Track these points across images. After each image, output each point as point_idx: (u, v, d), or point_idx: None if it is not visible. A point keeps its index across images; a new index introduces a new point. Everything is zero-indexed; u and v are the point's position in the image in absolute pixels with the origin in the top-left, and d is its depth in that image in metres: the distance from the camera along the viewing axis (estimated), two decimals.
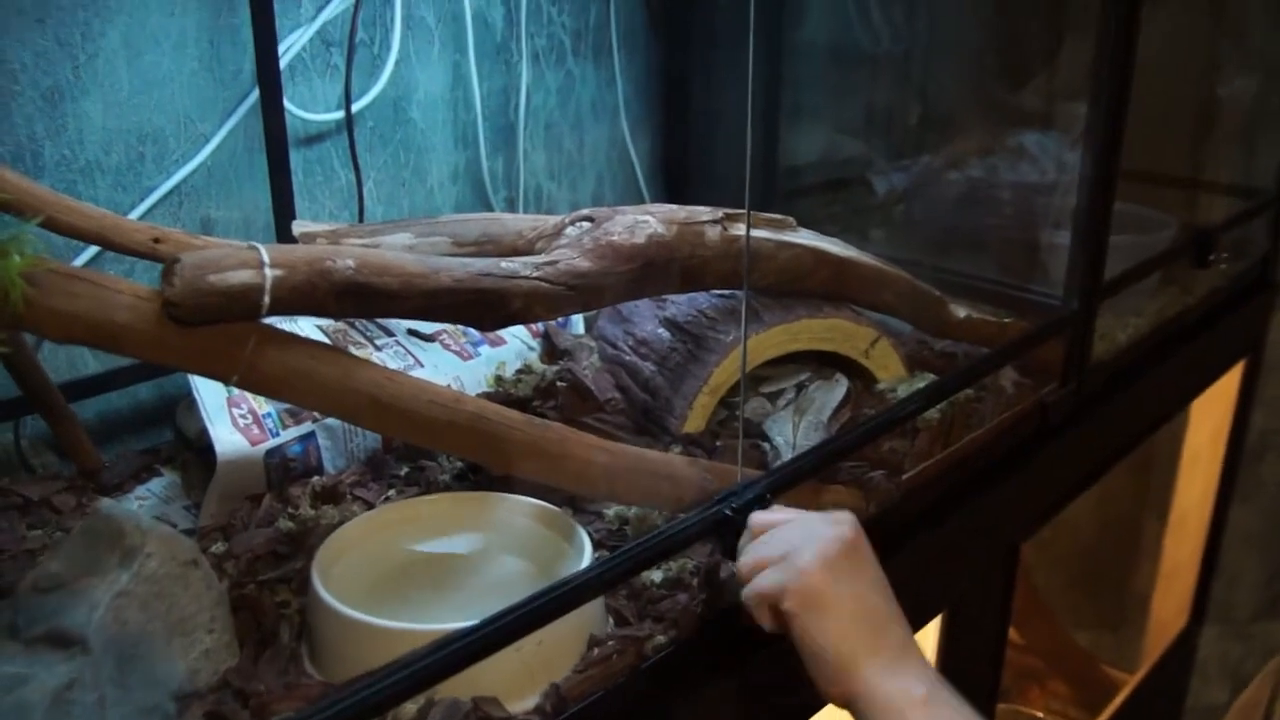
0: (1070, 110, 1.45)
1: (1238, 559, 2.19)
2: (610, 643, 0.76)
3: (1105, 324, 1.31)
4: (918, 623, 1.07)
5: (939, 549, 1.05)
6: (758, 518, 0.78)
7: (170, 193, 1.09)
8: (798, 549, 0.73)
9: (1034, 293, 1.32)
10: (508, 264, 0.82)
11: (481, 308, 0.80)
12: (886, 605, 0.75)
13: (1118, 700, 1.89)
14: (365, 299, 0.73)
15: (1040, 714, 2.10)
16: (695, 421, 1.00)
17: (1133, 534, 2.17)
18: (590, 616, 0.77)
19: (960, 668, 1.17)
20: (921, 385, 1.06)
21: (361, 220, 1.22)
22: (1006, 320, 1.18)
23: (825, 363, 1.08)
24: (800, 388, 1.05)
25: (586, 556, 0.80)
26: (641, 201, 1.54)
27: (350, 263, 0.72)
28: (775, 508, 0.80)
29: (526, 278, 0.82)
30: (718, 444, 0.98)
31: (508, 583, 0.84)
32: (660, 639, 0.78)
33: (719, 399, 1.01)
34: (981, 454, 1.11)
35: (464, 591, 0.83)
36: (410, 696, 0.62)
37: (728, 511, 0.78)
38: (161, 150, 1.08)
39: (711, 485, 0.87)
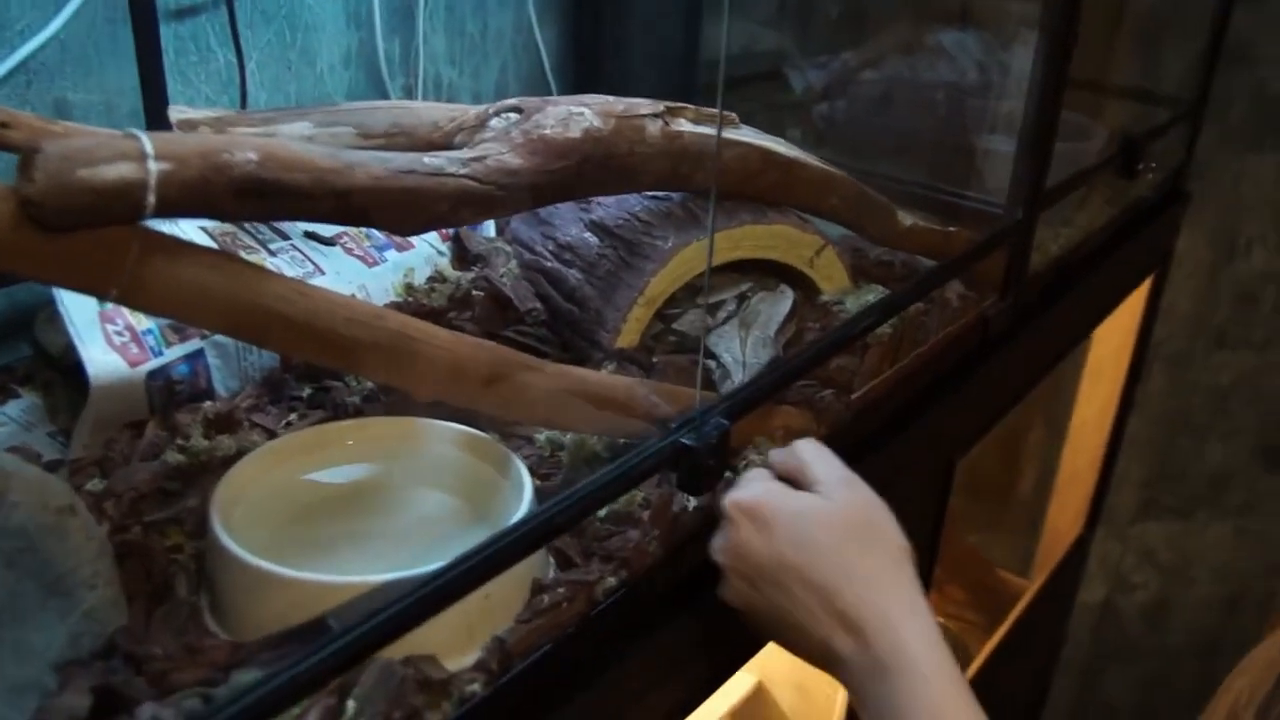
0: (1003, 7, 1.38)
1: (1121, 464, 2.19)
2: (558, 589, 0.67)
3: (1039, 234, 1.25)
4: None
5: (882, 472, 0.97)
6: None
7: (16, 70, 0.94)
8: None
9: (968, 200, 1.25)
10: (432, 159, 0.72)
11: (403, 210, 0.70)
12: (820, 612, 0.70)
13: (1019, 606, 1.87)
14: (269, 198, 0.62)
15: (940, 619, 2.09)
16: (629, 336, 0.90)
17: (1031, 444, 2.16)
18: (533, 560, 0.68)
19: None
20: (870, 298, 0.98)
21: (244, 107, 1.09)
22: (951, 229, 1.11)
23: (767, 272, 0.99)
24: (742, 299, 0.96)
25: (527, 492, 0.70)
26: (548, 93, 1.43)
27: (251, 155, 0.61)
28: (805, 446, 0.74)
29: (454, 175, 0.72)
30: (655, 360, 0.89)
31: (435, 521, 0.75)
32: (610, 581, 0.70)
33: (655, 311, 0.91)
34: (926, 370, 1.05)
35: (386, 533, 0.73)
36: (341, 674, 0.52)
37: (686, 441, 0.69)
38: (3, 18, 0.93)
39: (659, 409, 0.78)
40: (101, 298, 0.58)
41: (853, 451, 0.92)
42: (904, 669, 0.66)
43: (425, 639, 0.60)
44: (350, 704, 0.57)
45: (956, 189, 1.28)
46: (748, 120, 0.95)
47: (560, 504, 0.61)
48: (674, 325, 0.94)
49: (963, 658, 1.71)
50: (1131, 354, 1.90)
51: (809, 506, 0.71)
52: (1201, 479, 2.63)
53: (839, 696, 1.20)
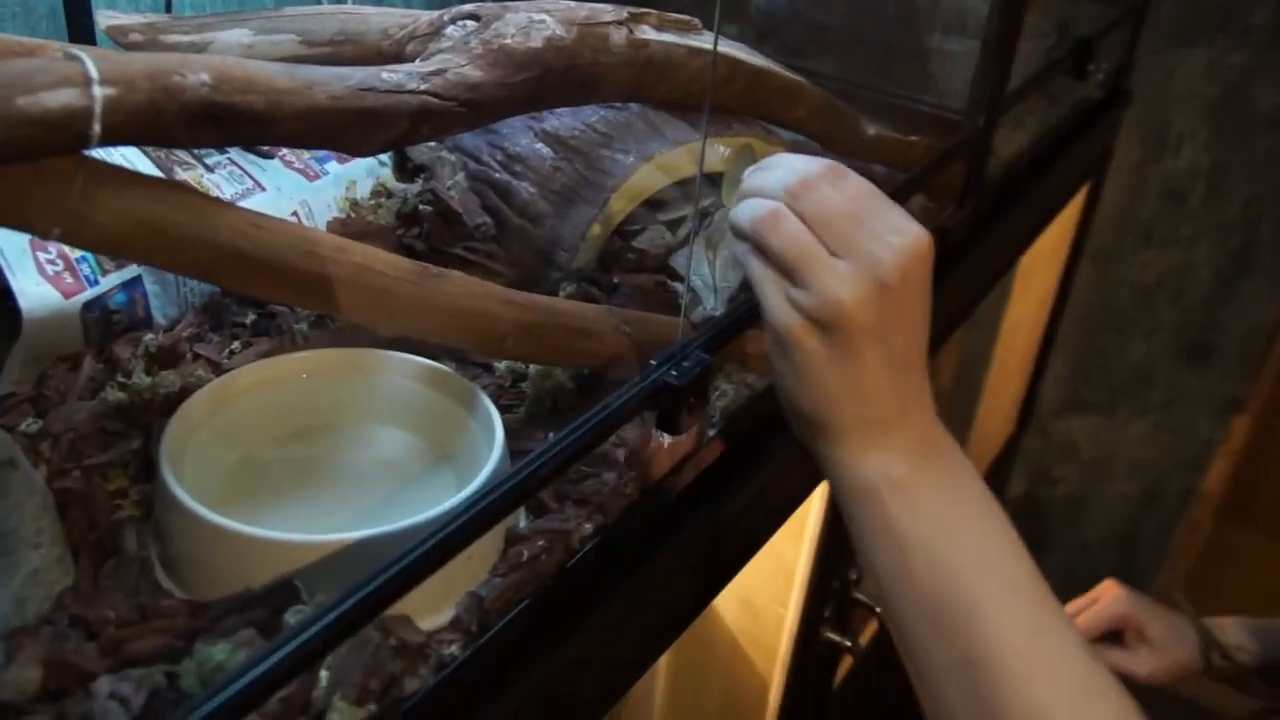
0: None
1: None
2: (536, 540, 0.64)
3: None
4: (816, 478, 0.99)
5: None
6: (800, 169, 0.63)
7: None
8: (876, 242, 0.60)
9: (921, 103, 1.21)
10: (390, 75, 0.66)
11: (363, 130, 0.64)
12: (922, 355, 0.64)
13: None
14: (225, 124, 0.56)
15: None
16: (586, 254, 0.86)
17: (961, 345, 2.15)
18: None
19: None
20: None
21: (169, 8, 1.02)
22: (912, 139, 1.07)
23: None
24: (704, 215, 0.92)
25: (498, 433, 0.66)
26: None
27: (205, 77, 0.55)
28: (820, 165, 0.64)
29: (414, 92, 0.66)
30: (616, 281, 0.85)
31: (398, 462, 0.71)
32: (588, 527, 0.66)
33: (614, 228, 0.87)
34: None
35: (347, 477, 0.69)
36: (321, 658, 0.49)
37: (670, 379, 0.66)
38: None
39: (629, 338, 0.74)
40: (44, 236, 0.52)
41: None
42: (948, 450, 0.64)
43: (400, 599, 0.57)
44: (324, 674, 0.54)
45: (907, 92, 1.24)
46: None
47: (544, 456, 0.57)
48: (634, 243, 0.89)
49: None
50: (1067, 255, 1.89)
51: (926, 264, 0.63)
52: (1124, 375, 2.66)
53: (788, 615, 1.18)
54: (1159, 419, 2.69)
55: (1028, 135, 1.37)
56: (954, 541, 0.60)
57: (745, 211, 0.63)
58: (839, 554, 1.14)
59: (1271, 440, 2.69)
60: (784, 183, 0.62)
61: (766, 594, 1.20)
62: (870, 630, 1.36)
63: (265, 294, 0.61)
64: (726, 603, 1.27)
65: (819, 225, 0.60)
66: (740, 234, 0.64)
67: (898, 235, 0.61)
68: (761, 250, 0.62)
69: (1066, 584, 2.75)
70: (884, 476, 0.61)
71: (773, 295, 0.62)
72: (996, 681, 0.57)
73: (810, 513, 1.09)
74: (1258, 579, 2.86)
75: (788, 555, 1.14)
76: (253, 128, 0.57)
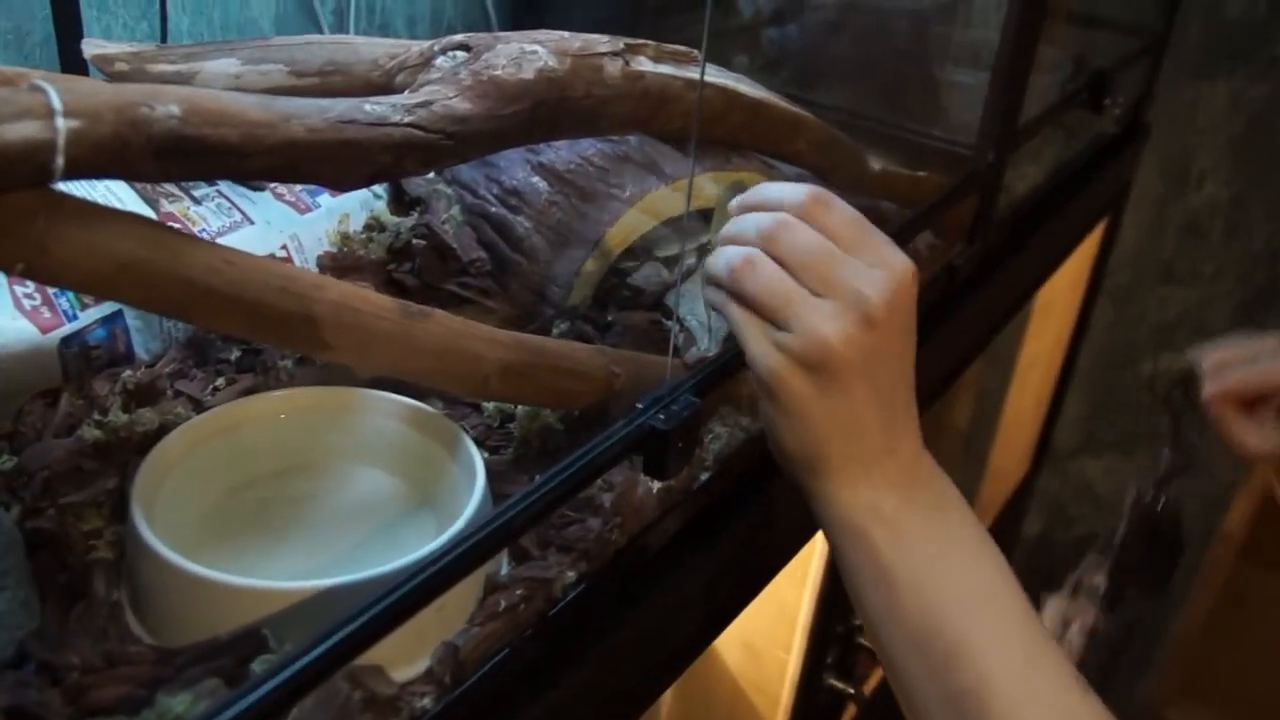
0: None
1: None
2: (515, 589, 0.62)
3: (1006, 174, 1.20)
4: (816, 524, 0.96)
5: None
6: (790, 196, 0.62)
7: None
8: (859, 276, 0.59)
9: (931, 138, 1.19)
10: (373, 106, 0.64)
11: (343, 165, 0.62)
12: (908, 386, 0.64)
13: None
14: (194, 158, 0.55)
15: None
16: (581, 291, 0.84)
17: (975, 382, 2.13)
18: None
19: None
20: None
21: (165, 36, 1.00)
22: (920, 174, 1.05)
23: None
24: (702, 251, 0.90)
25: (479, 477, 0.64)
26: (486, 20, 1.34)
27: (174, 109, 0.53)
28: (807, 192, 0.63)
29: (397, 124, 0.65)
30: (610, 319, 0.83)
31: (377, 505, 0.69)
32: (570, 575, 0.64)
33: (610, 265, 0.85)
34: None
35: (324, 520, 0.67)
36: (286, 709, 0.47)
37: (657, 424, 0.63)
38: None
39: (619, 379, 0.72)
40: (6, 271, 0.51)
41: None
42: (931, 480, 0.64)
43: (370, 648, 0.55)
44: None
45: (917, 125, 1.22)
46: (690, 47, 0.88)
47: (523, 503, 0.55)
48: (629, 280, 0.88)
49: None
50: (1084, 291, 1.86)
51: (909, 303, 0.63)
52: (1142, 414, 2.62)
53: (791, 660, 1.16)
54: None
55: (1043, 170, 1.35)
56: (941, 574, 0.60)
57: (721, 261, 0.62)
58: (842, 598, 1.11)
59: None
60: (759, 226, 0.61)
61: (769, 638, 1.18)
62: (875, 677, 1.33)
63: (239, 332, 0.60)
64: (728, 647, 1.24)
65: (797, 268, 0.60)
66: (717, 283, 0.63)
67: (881, 268, 0.60)
68: (740, 297, 0.61)
69: None
70: (871, 512, 0.61)
71: (755, 339, 0.61)
72: (988, 713, 0.57)
73: (813, 556, 1.07)
74: (1278, 621, 2.81)
75: (790, 599, 1.11)
76: (225, 162, 0.56)
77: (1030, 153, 1.33)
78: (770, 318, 0.60)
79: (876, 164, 0.99)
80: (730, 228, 0.64)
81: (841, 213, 0.62)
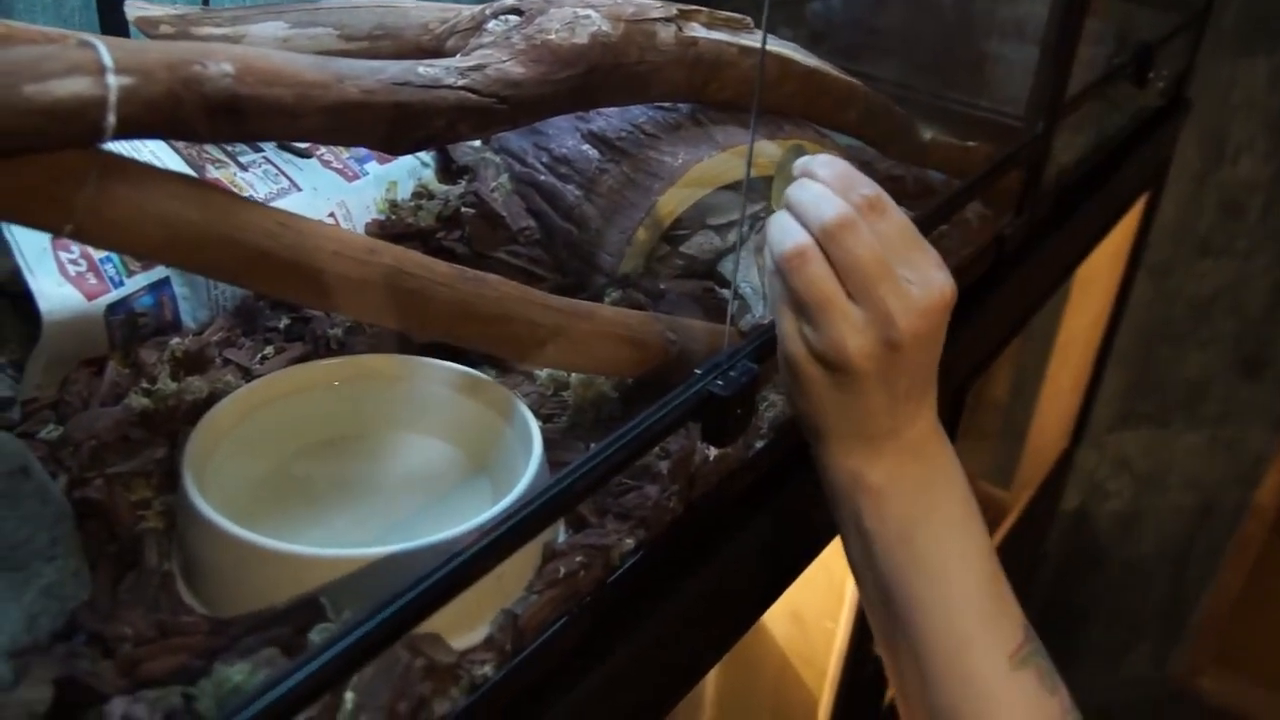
0: None
1: None
2: (574, 556, 0.61)
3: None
4: None
5: None
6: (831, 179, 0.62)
7: None
8: (896, 295, 0.60)
9: (978, 108, 1.18)
10: (427, 69, 0.63)
11: (396, 127, 0.61)
12: (925, 384, 0.65)
13: (1008, 521, 1.84)
14: (248, 117, 0.53)
15: None
16: (633, 259, 0.83)
17: (1015, 356, 2.11)
18: None
19: None
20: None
21: (207, 2, 0.99)
22: (970, 144, 1.03)
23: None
24: (755, 220, 0.88)
25: (536, 444, 0.63)
26: None
27: (228, 68, 0.52)
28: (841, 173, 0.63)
29: (451, 87, 0.64)
30: (662, 287, 0.82)
31: (432, 474, 0.68)
32: (629, 542, 0.63)
33: (662, 233, 0.84)
34: None
35: (378, 489, 0.66)
36: (344, 679, 0.46)
37: (716, 389, 0.62)
38: None
39: (675, 346, 0.71)
40: (56, 233, 0.50)
41: None
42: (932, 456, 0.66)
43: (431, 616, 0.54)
44: (349, 696, 0.51)
45: (964, 97, 1.20)
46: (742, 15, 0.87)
47: (582, 469, 0.54)
48: (681, 248, 0.86)
49: None
50: (1124, 266, 1.84)
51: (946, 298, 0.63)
52: (1179, 388, 2.60)
53: (838, 631, 1.15)
54: (1214, 433, 2.64)
55: (1087, 143, 1.32)
56: (907, 547, 0.63)
57: (776, 234, 0.62)
58: None
59: None
60: (821, 218, 0.61)
61: (817, 609, 1.17)
62: None
63: (292, 296, 0.59)
64: (776, 618, 1.23)
65: (845, 270, 0.60)
66: (771, 254, 0.64)
67: (920, 287, 0.61)
68: (784, 282, 0.62)
69: (1119, 598, 2.70)
70: (860, 480, 0.64)
71: (786, 321, 0.63)
72: (929, 677, 0.63)
73: None
74: None
75: (838, 570, 1.10)
76: (279, 122, 0.55)
77: (1074, 126, 1.31)
78: (803, 313, 0.61)
79: (927, 134, 0.98)
80: (794, 196, 0.63)
81: (897, 221, 0.62)
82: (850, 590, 1.10)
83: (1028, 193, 1.07)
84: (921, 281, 0.61)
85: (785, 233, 0.62)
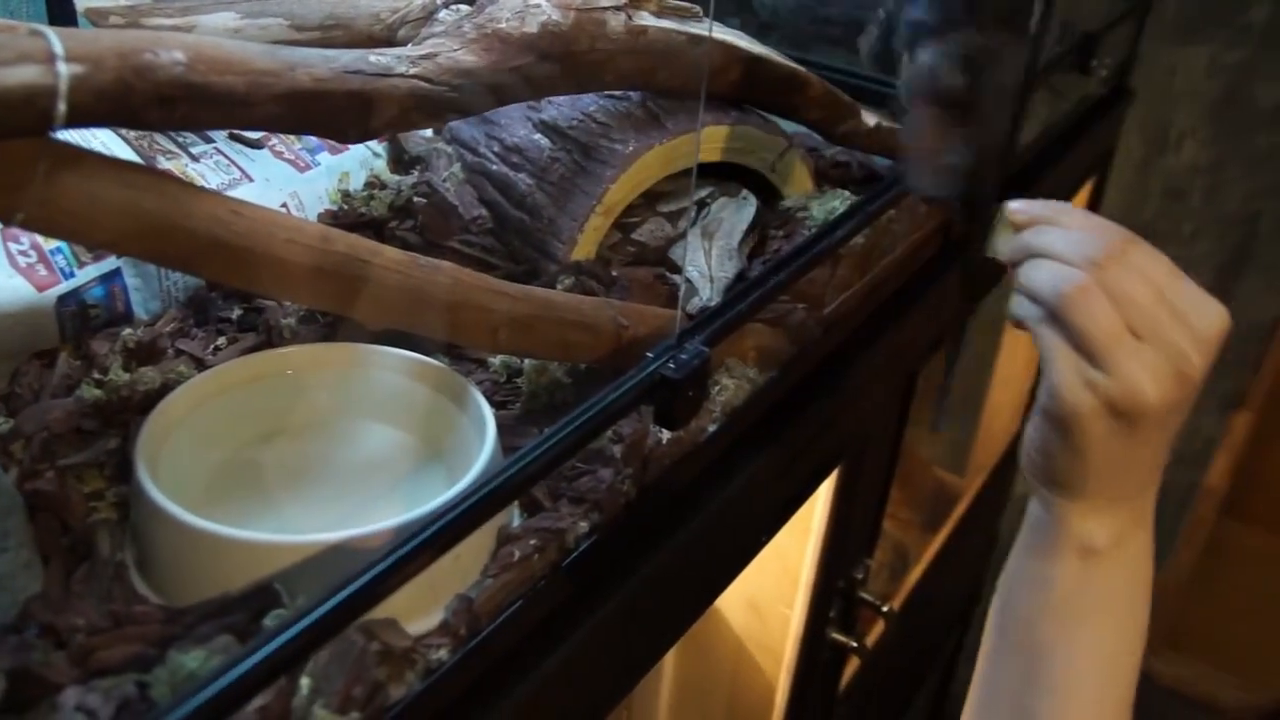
0: None
1: None
2: (528, 540, 0.61)
3: None
4: (822, 475, 0.96)
5: (850, 389, 0.92)
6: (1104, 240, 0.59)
7: None
8: (1180, 329, 0.57)
9: None
10: (378, 57, 0.64)
11: (348, 115, 0.62)
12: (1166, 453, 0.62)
13: (961, 506, 1.86)
14: (199, 105, 0.54)
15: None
16: (585, 247, 0.83)
17: (971, 342, 2.13)
18: None
19: (851, 511, 1.07)
20: (836, 204, 0.92)
21: None
22: None
23: (724, 176, 0.92)
24: (702, 205, 0.89)
25: (489, 430, 0.64)
26: None
27: (178, 55, 0.52)
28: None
29: (403, 75, 0.64)
30: (614, 274, 0.83)
31: (386, 461, 0.68)
32: (583, 526, 0.64)
33: (613, 220, 0.85)
34: (892, 280, 0.99)
35: (332, 477, 0.67)
36: (297, 664, 0.46)
37: (668, 372, 0.63)
38: None
39: (627, 331, 0.72)
40: (5, 222, 0.50)
41: (821, 369, 0.88)
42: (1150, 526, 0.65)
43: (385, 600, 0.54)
44: (304, 681, 0.51)
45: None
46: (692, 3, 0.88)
47: (535, 452, 0.55)
48: (633, 235, 0.87)
49: (903, 559, 1.69)
50: None
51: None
52: None
53: (794, 616, 1.16)
54: None
55: (1031, 132, 1.34)
56: (1091, 628, 0.63)
57: (1046, 277, 0.59)
58: (845, 553, 1.12)
59: (1271, 436, 2.68)
60: (1086, 253, 0.58)
61: (772, 595, 1.18)
62: (876, 631, 1.34)
63: (245, 285, 0.59)
64: (731, 604, 1.24)
65: (1125, 305, 0.57)
66: (1036, 299, 0.60)
67: (1201, 319, 0.58)
68: (1062, 324, 0.59)
69: None
70: (1083, 541, 0.62)
71: (1067, 371, 0.59)
72: None
73: (815, 511, 1.07)
74: (1259, 574, 2.84)
75: (793, 555, 1.11)
76: (229, 110, 0.55)
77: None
78: (1090, 354, 0.58)
79: (871, 120, 0.99)
80: (1044, 241, 0.61)
81: (1157, 254, 0.60)
82: (806, 575, 1.11)
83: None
84: (1199, 312, 0.58)
85: (1056, 273, 0.59)
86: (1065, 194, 1.58)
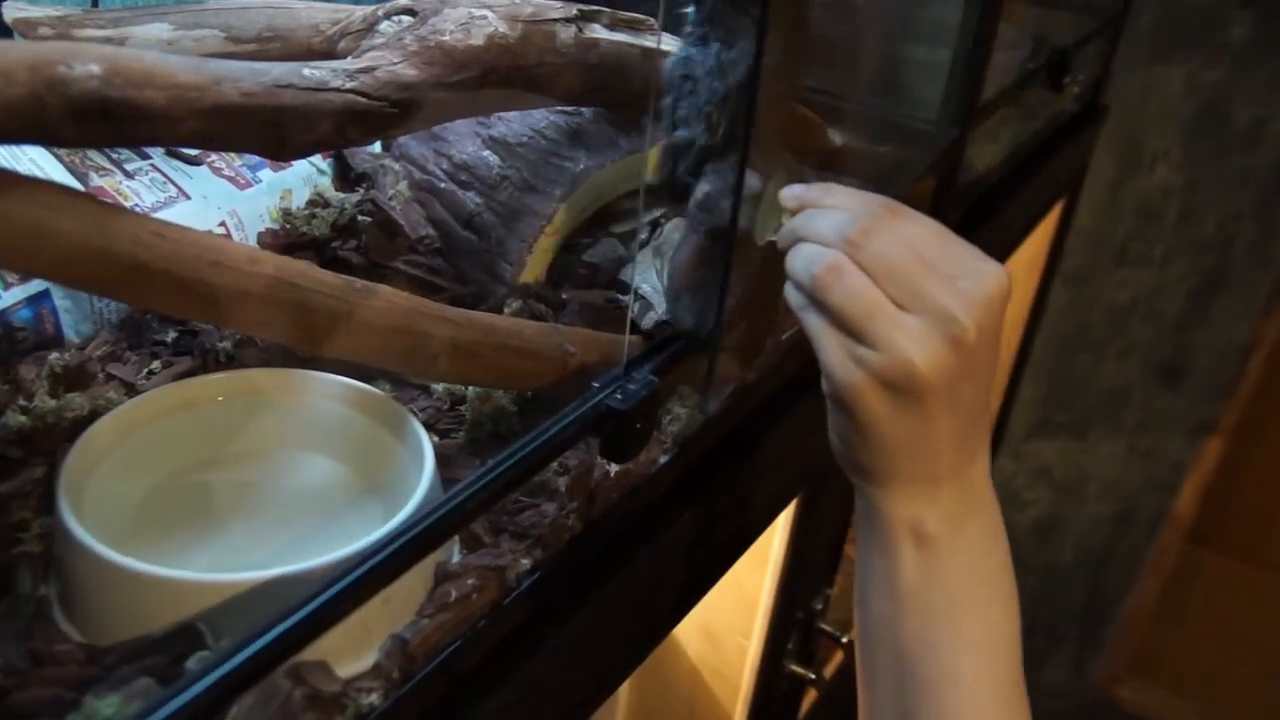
0: None
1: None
2: (466, 579, 0.58)
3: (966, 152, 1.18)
4: (780, 505, 0.94)
5: (810, 411, 0.90)
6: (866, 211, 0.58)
7: None
8: (949, 293, 0.55)
9: (893, 115, 1.17)
10: (312, 71, 0.61)
11: (279, 132, 0.59)
12: (987, 402, 0.60)
13: None
14: (117, 121, 0.51)
15: None
16: (535, 269, 0.81)
17: None
18: None
19: (811, 541, 1.05)
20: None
21: (95, 3, 0.96)
22: (880, 149, 1.02)
23: (679, 198, 0.90)
24: (655, 225, 0.87)
25: (427, 462, 0.61)
26: None
27: (94, 69, 0.50)
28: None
29: (339, 90, 0.61)
30: (564, 297, 0.80)
31: (321, 494, 0.65)
32: (525, 562, 0.61)
33: (563, 240, 0.82)
34: None
35: (265, 510, 0.64)
36: (223, 711, 0.43)
37: (614, 404, 0.61)
38: None
39: (574, 358, 0.69)
40: None
41: (780, 393, 0.85)
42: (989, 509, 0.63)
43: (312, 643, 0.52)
44: None
45: (877, 101, 1.20)
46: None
47: (474, 487, 0.52)
48: (584, 256, 0.85)
49: None
50: (1041, 275, 1.85)
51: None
52: (1097, 396, 2.62)
53: (751, 646, 1.14)
54: (1131, 440, 2.66)
55: (1001, 149, 1.33)
56: (949, 613, 0.60)
57: (801, 262, 0.59)
58: (804, 583, 1.09)
59: (1241, 463, 2.67)
60: (840, 229, 0.57)
61: (728, 624, 1.15)
62: (835, 662, 1.31)
63: (170, 310, 0.56)
64: (688, 633, 1.22)
65: (883, 277, 0.56)
66: (797, 284, 0.59)
67: (972, 280, 0.56)
68: (821, 305, 0.58)
69: (1039, 606, 2.71)
70: (916, 530, 0.60)
71: (833, 351, 0.58)
72: None
73: (774, 541, 1.05)
74: (1227, 602, 2.84)
75: (750, 585, 1.09)
76: (151, 126, 0.52)
77: (988, 132, 1.31)
78: (852, 331, 0.56)
79: (837, 139, 0.97)
80: (804, 223, 0.60)
81: (923, 220, 0.59)
82: (764, 605, 1.09)
83: (940, 199, 1.07)
84: (970, 273, 0.56)
85: (809, 256, 0.58)
86: (1036, 213, 1.57)
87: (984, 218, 1.25)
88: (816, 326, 0.59)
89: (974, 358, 0.56)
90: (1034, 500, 2.78)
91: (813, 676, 1.17)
